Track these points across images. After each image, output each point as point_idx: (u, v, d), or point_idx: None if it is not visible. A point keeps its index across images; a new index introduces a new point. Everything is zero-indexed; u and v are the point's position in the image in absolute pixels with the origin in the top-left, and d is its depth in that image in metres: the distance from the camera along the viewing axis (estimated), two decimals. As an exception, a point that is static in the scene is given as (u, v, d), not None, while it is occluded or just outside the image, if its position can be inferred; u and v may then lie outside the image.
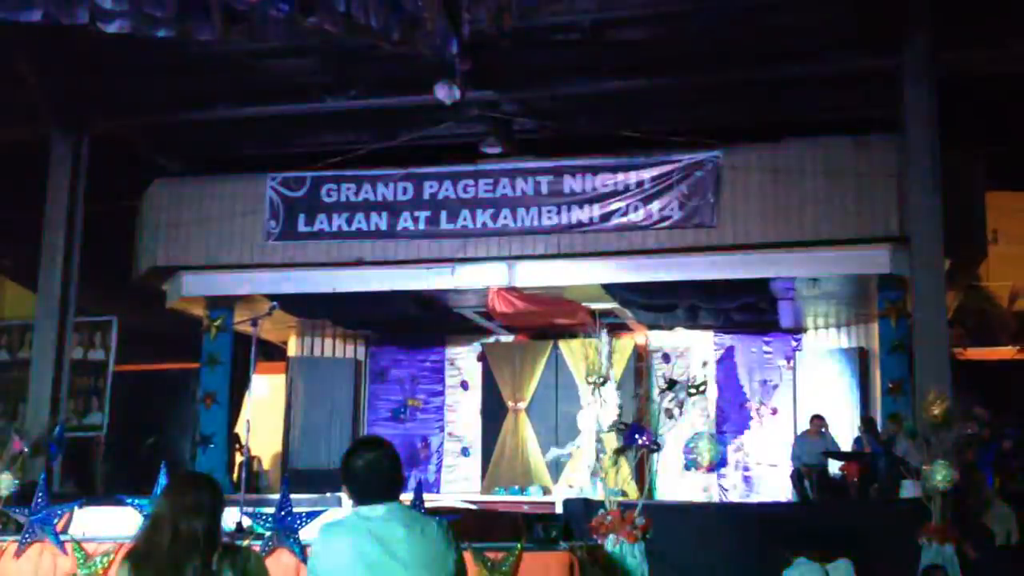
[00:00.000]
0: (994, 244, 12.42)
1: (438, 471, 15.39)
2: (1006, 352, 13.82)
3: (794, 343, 14.66)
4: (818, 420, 12.54)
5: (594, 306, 13.67)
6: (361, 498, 3.37)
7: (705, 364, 14.68)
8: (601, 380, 13.79)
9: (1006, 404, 12.25)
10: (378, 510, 3.31)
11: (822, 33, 10.84)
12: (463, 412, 15.52)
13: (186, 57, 10.93)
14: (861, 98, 11.84)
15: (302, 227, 12.76)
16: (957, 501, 8.55)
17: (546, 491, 13.90)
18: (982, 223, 11.94)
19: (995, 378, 12.97)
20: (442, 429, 15.64)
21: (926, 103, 10.72)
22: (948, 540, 8.20)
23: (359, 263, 12.69)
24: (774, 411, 14.45)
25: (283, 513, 6.14)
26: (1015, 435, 11.59)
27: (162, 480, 6.23)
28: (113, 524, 6.79)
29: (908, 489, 9.91)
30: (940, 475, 8.34)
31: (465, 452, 15.42)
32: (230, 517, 6.66)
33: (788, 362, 14.59)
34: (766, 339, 14.71)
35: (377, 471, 3.37)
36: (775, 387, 14.54)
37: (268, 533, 6.22)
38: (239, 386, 13.42)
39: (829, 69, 11.36)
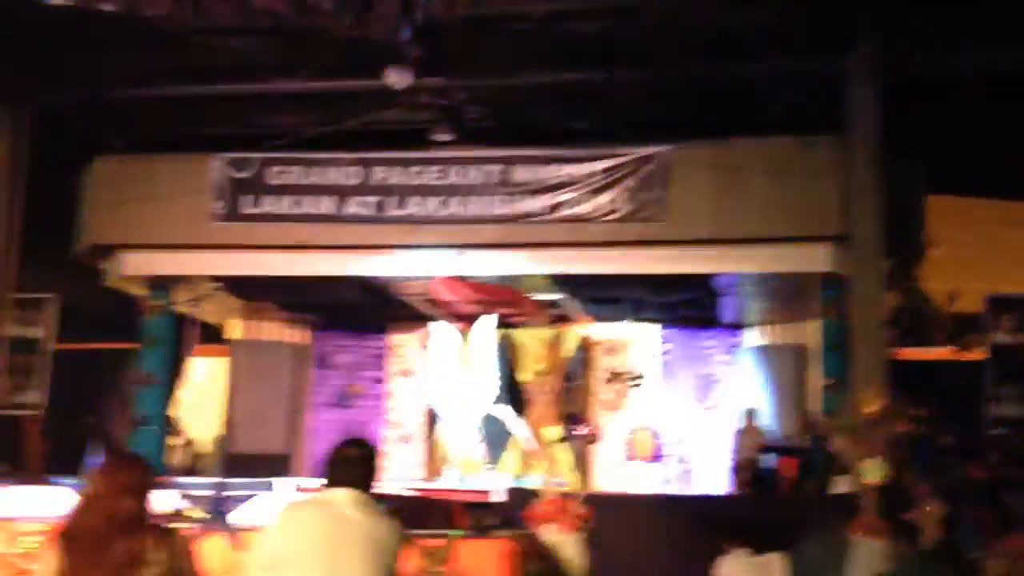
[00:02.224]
0: (933, 247, 12.63)
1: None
2: (942, 352, 14.08)
3: (736, 339, 14.82)
4: (751, 415, 12.73)
5: (541, 297, 13.72)
6: (331, 484, 3.53)
7: (651, 357, 14.81)
8: (545, 371, 13.92)
9: (941, 403, 12.49)
10: (340, 495, 3.46)
11: (773, 33, 10.93)
12: (404, 400, 15.48)
13: (132, 33, 10.73)
14: (808, 98, 11.96)
15: (248, 209, 12.59)
16: (889, 498, 8.70)
17: (488, 480, 13.93)
18: (922, 226, 12.16)
19: (930, 377, 13.21)
20: (384, 416, 15.58)
21: (871, 105, 10.89)
22: (878, 535, 8.34)
23: (305, 247, 12.58)
24: (715, 405, 14.62)
25: (217, 497, 6.09)
26: (954, 431, 11.85)
27: (94, 459, 6.14)
28: (44, 503, 6.69)
29: (842, 484, 10.08)
30: (873, 472, 8.48)
31: (406, 440, 15.38)
32: (164, 499, 6.59)
33: (729, 357, 14.76)
34: (708, 334, 14.85)
35: (353, 465, 3.64)
36: (716, 382, 14.70)
37: (201, 516, 6.16)
38: (178, 368, 13.26)
39: (778, 68, 11.46)
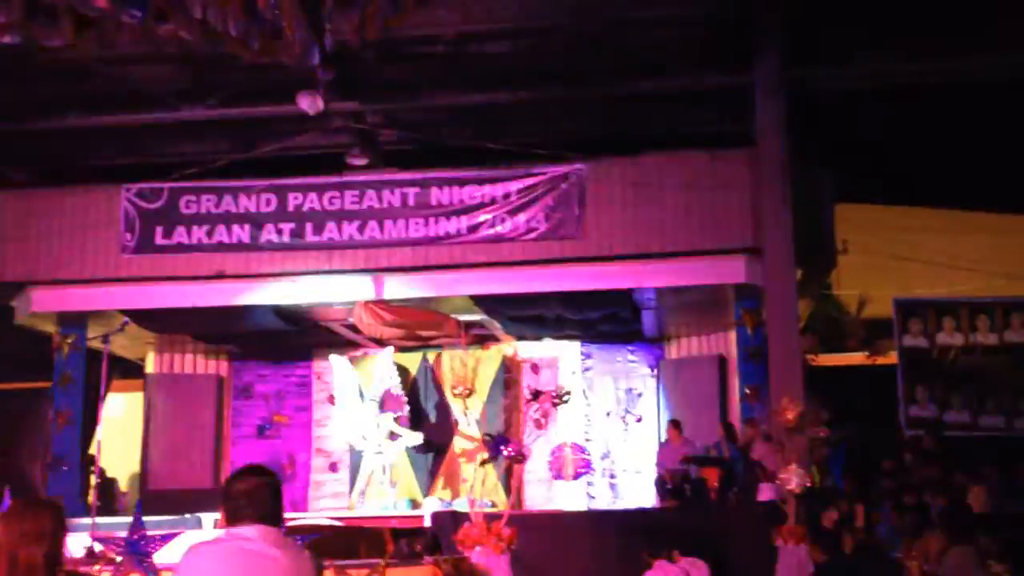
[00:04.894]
0: (844, 254, 12.94)
1: (305, 488, 15.11)
2: (856, 358, 14.42)
3: (657, 352, 14.97)
4: (674, 426, 12.87)
5: (462, 318, 13.71)
6: (236, 520, 3.32)
7: (572, 374, 14.87)
8: (467, 392, 13.85)
9: (857, 407, 12.79)
10: (252, 531, 3.27)
11: (678, 50, 11.16)
12: (331, 427, 15.30)
13: (33, 63, 10.50)
14: (716, 113, 12.23)
15: (159, 240, 12.37)
16: (810, 503, 8.86)
17: (415, 505, 13.83)
18: (832, 234, 12.47)
19: (846, 382, 13.52)
20: (309, 445, 15.37)
21: (777, 118, 11.17)
22: (801, 541, 8.49)
23: (220, 276, 12.38)
24: (639, 419, 14.73)
25: (136, 537, 5.92)
26: (870, 435, 12.15)
27: (4, 504, 5.94)
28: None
29: (765, 492, 10.25)
30: (795, 478, 8.63)
31: (333, 468, 15.19)
32: (82, 541, 6.42)
33: (652, 370, 14.90)
34: (631, 348, 14.98)
35: (258, 496, 3.34)
36: (640, 395, 14.81)
37: (120, 558, 5.99)
38: (94, 405, 12.90)
39: (685, 85, 11.70)
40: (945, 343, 12.86)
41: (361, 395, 14.21)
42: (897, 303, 12.87)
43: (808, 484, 8.68)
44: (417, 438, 14.02)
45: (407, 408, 14.13)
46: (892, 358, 13.19)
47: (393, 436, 14.05)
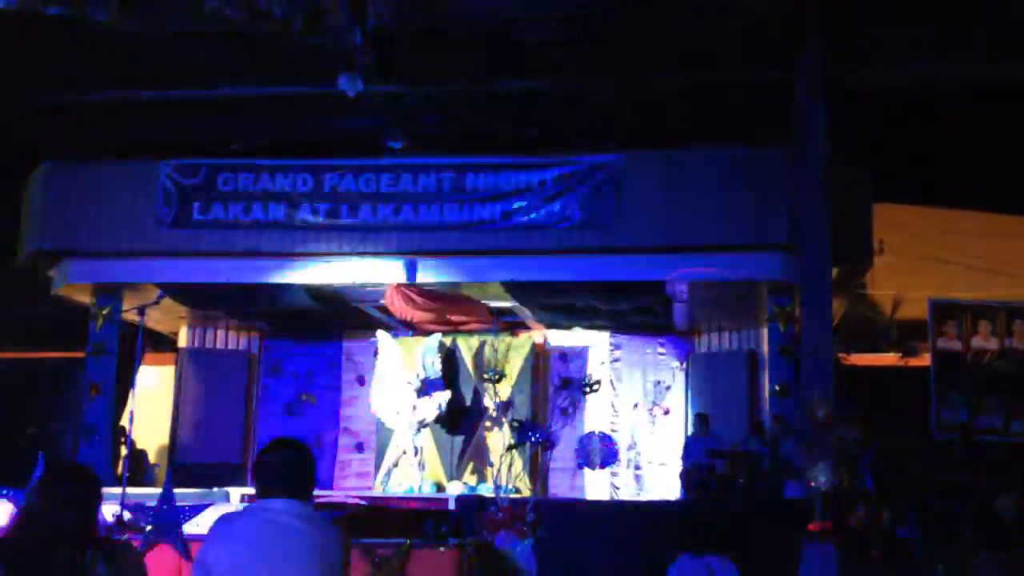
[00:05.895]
0: (880, 254, 12.81)
1: (332, 467, 15.22)
2: (889, 359, 14.30)
3: (687, 345, 14.93)
4: (702, 420, 12.83)
5: (493, 304, 13.72)
6: (266, 493, 3.36)
7: (601, 364, 14.86)
8: (496, 377, 13.85)
9: (888, 408, 12.67)
10: (280, 504, 3.31)
11: (721, 44, 11.07)
12: (359, 407, 15.38)
13: (78, 37, 10.58)
14: (757, 107, 12.12)
15: (196, 215, 12.48)
16: (838, 502, 8.80)
17: (440, 488, 13.89)
18: (869, 234, 12.35)
19: (878, 383, 13.41)
20: (337, 424, 15.47)
21: (818, 115, 11.05)
22: (828, 539, 8.44)
23: (255, 254, 12.47)
24: (667, 411, 14.70)
25: (165, 507, 5.99)
26: (901, 437, 12.04)
27: (39, 471, 6.02)
28: (-14, 516, 6.54)
29: (792, 489, 10.19)
30: (823, 476, 8.58)
31: (360, 448, 15.28)
32: (111, 511, 6.50)
33: (681, 364, 14.86)
34: (660, 341, 14.95)
35: (289, 469, 3.38)
36: (668, 388, 14.78)
37: (149, 528, 6.06)
38: (126, 377, 13.06)
39: (727, 78, 11.61)
40: (980, 347, 12.71)
41: (401, 375, 14.22)
42: (932, 304, 12.73)
43: (837, 483, 8.62)
44: (446, 396, 14.01)
45: (445, 396, 14.15)
46: (925, 360, 13.06)
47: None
